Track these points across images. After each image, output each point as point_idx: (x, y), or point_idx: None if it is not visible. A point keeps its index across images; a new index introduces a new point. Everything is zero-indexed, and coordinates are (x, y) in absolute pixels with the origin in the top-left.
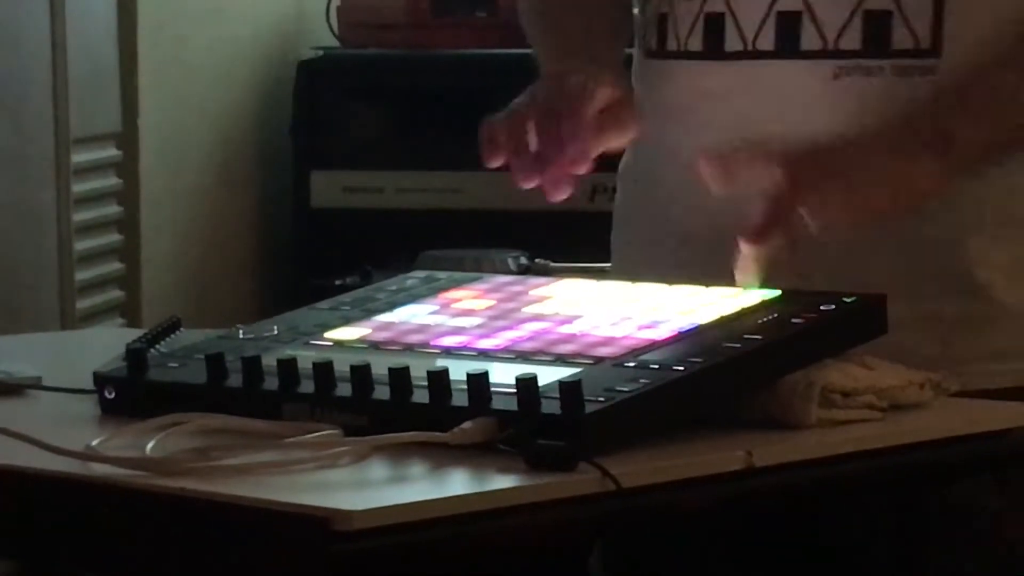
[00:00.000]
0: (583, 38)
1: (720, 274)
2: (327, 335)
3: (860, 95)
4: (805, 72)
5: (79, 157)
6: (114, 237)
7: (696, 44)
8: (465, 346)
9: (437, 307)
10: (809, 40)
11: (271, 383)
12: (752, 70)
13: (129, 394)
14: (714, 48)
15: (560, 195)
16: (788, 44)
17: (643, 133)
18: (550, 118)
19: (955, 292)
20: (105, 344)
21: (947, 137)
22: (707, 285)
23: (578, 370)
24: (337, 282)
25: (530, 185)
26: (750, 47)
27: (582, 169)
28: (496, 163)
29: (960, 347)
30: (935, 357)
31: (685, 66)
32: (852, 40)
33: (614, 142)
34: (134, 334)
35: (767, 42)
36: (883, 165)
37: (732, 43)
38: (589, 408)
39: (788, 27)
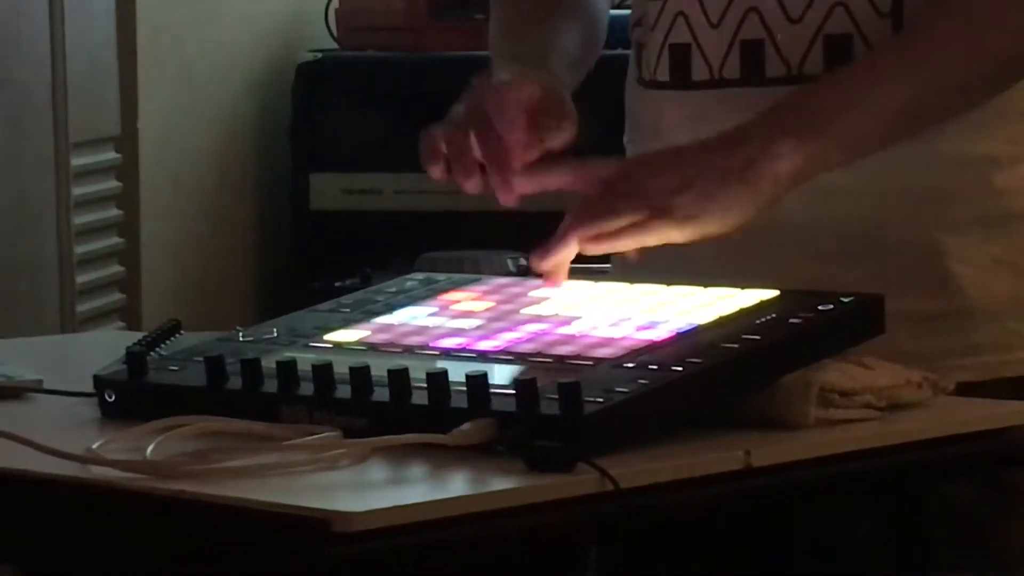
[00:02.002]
0: (531, 54)
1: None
2: (326, 337)
3: None
4: (771, 98)
5: (79, 160)
6: (114, 240)
7: (664, 74)
8: (464, 348)
9: (436, 309)
10: (773, 67)
11: (270, 385)
12: (719, 98)
13: (129, 397)
14: (681, 77)
15: (511, 196)
16: (753, 71)
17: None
18: (484, 120)
19: (931, 289)
20: (105, 347)
21: (815, 119)
22: (705, 285)
23: (576, 371)
24: (336, 284)
25: (474, 188)
26: (716, 76)
27: (526, 158)
28: (437, 173)
29: (936, 343)
30: (911, 352)
31: (656, 95)
32: (815, 65)
33: (554, 140)
34: (134, 337)
35: (733, 70)
36: (726, 157)
37: (699, 72)
38: (588, 409)
39: (752, 55)
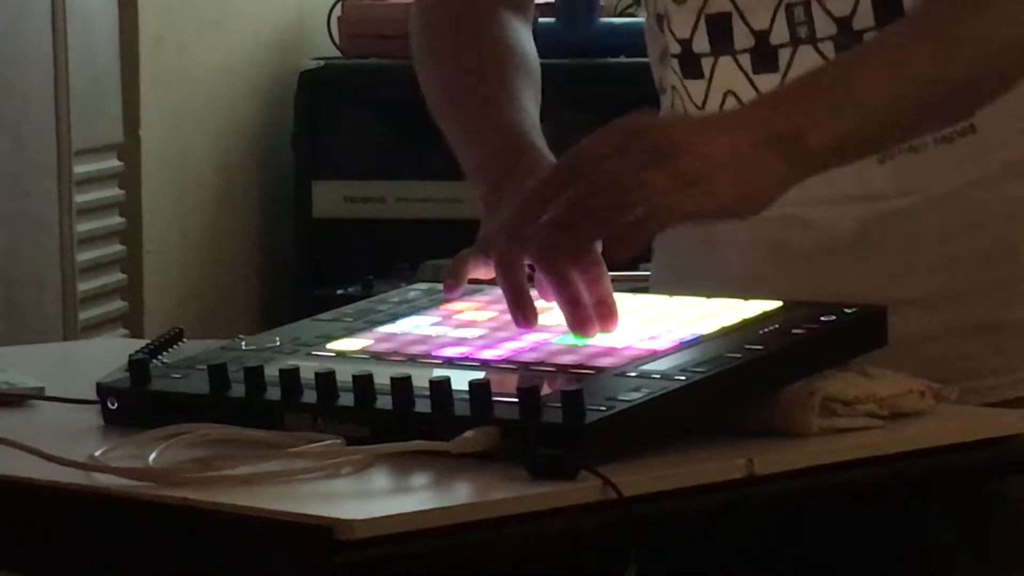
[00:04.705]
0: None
1: None
2: (329, 346)
3: (908, 171)
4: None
5: (81, 168)
6: (116, 248)
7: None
8: (467, 357)
9: (439, 318)
10: (823, 27)
11: (273, 393)
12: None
13: (132, 405)
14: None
15: (593, 334)
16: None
17: None
18: (559, 268)
19: (1013, 300)
20: (108, 355)
21: (797, 136)
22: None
23: (579, 380)
24: (339, 291)
25: (531, 327)
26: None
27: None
28: (457, 295)
29: (1019, 355)
30: (994, 365)
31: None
32: (865, 19)
33: None
34: (136, 345)
35: (781, 36)
36: (732, 152)
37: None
38: (590, 417)
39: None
